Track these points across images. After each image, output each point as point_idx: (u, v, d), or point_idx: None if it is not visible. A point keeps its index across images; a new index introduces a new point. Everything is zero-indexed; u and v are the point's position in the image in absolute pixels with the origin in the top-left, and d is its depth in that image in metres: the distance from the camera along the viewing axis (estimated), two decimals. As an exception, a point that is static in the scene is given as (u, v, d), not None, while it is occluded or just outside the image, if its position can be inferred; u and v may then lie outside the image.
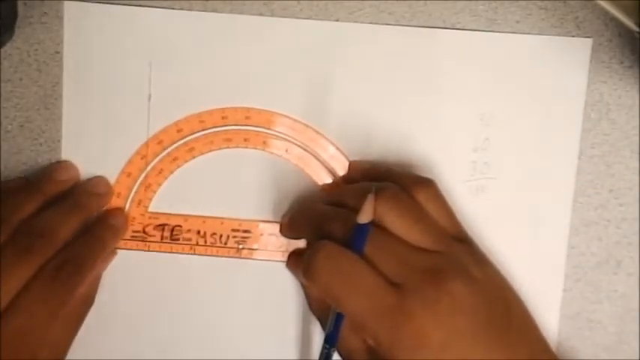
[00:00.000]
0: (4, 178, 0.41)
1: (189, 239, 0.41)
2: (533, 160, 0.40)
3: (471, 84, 0.40)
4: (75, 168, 0.41)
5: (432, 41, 0.40)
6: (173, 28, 0.40)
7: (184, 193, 0.41)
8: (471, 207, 0.40)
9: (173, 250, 0.41)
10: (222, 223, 0.41)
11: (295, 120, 0.40)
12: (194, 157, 0.41)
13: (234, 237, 0.41)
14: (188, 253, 0.41)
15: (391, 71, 0.40)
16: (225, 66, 0.40)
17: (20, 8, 0.39)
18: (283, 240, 0.41)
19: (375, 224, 0.35)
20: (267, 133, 0.41)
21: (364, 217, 0.34)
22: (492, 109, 0.40)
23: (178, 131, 0.41)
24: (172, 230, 0.41)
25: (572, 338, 0.41)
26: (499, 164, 0.40)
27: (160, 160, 0.41)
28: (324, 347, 0.36)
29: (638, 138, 0.40)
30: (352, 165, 0.41)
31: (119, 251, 0.41)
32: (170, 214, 0.41)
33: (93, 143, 0.41)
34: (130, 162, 0.41)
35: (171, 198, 0.41)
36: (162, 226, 0.41)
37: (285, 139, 0.41)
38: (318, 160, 0.41)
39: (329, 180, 0.41)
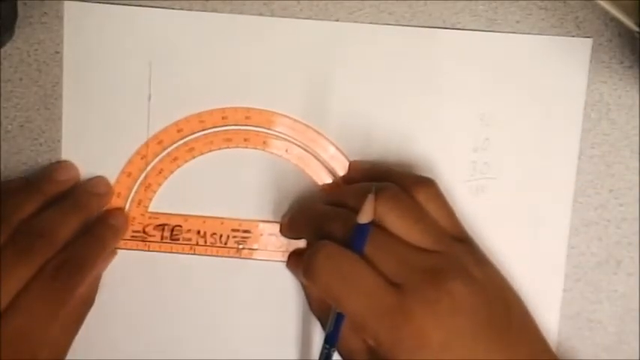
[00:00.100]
0: (4, 178, 0.41)
1: (189, 239, 0.41)
2: (533, 160, 0.40)
3: (471, 84, 0.40)
4: (75, 168, 0.41)
5: (432, 41, 0.40)
6: (173, 28, 0.40)
7: (184, 193, 0.41)
8: (471, 207, 0.40)
9: (173, 250, 0.41)
10: (222, 223, 0.41)
11: (295, 120, 0.40)
12: (194, 157, 0.41)
13: (234, 237, 0.41)
14: (188, 253, 0.41)
15: (391, 71, 0.40)
16: (225, 66, 0.40)
17: (20, 8, 0.39)
18: (283, 240, 0.41)
19: (375, 224, 0.35)
20: (267, 133, 0.41)
21: (364, 217, 0.34)
22: (492, 109, 0.40)
23: (178, 131, 0.41)
24: (172, 230, 0.41)
25: (572, 338, 0.41)
26: (499, 164, 0.40)
27: (160, 160, 0.41)
28: (324, 347, 0.36)
29: (638, 138, 0.40)
30: (352, 165, 0.41)
31: (119, 251, 0.41)
32: (170, 214, 0.41)
33: (93, 143, 0.41)
34: (130, 162, 0.41)
35: (171, 198, 0.41)
36: (162, 226, 0.41)
37: (285, 139, 0.41)
38: (318, 160, 0.41)
39: (329, 180, 0.41)
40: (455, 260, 0.35)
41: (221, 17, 0.40)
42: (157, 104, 0.40)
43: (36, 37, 0.40)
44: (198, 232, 0.41)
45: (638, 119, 0.40)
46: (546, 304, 0.40)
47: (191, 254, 0.41)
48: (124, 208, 0.41)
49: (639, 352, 0.41)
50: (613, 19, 0.39)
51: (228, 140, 0.41)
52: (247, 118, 0.40)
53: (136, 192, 0.41)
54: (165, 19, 0.40)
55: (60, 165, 0.40)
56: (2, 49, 0.40)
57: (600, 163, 0.40)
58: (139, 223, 0.41)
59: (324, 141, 0.41)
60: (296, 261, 0.40)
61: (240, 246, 0.41)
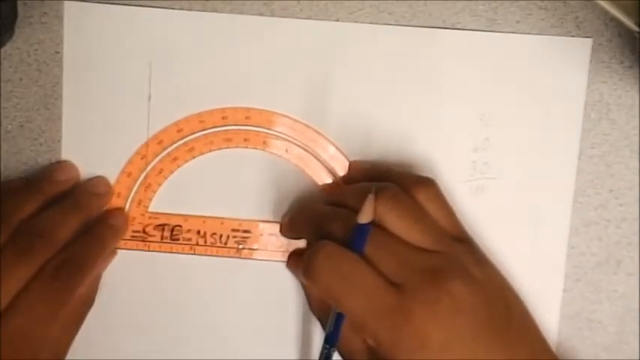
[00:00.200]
0: (4, 178, 0.41)
1: (189, 239, 0.41)
2: (533, 160, 0.40)
3: (471, 84, 0.40)
4: (75, 168, 0.41)
5: (432, 41, 0.40)
6: (173, 28, 0.40)
7: (184, 193, 0.41)
8: (471, 207, 0.40)
9: (173, 250, 0.41)
10: (222, 223, 0.41)
11: (295, 120, 0.40)
12: (194, 157, 0.41)
13: (234, 237, 0.41)
14: (188, 253, 0.41)
15: (391, 71, 0.40)
16: (225, 66, 0.40)
17: (20, 8, 0.39)
18: (283, 240, 0.41)
19: (375, 224, 0.35)
20: (267, 133, 0.41)
21: (364, 217, 0.34)
22: (492, 109, 0.40)
23: (178, 131, 0.41)
24: (172, 230, 0.41)
25: (572, 338, 0.41)
26: (499, 164, 0.40)
27: (160, 160, 0.41)
28: (324, 347, 0.36)
29: (638, 138, 0.40)
30: (352, 165, 0.41)
31: (119, 251, 0.41)
32: (170, 214, 0.41)
33: (93, 143, 0.41)
34: (130, 162, 0.41)
35: (171, 198, 0.41)
36: (162, 226, 0.41)
37: (285, 139, 0.41)
38: (318, 160, 0.41)
39: (329, 180, 0.41)
40: (455, 260, 0.35)
41: (221, 17, 0.40)
42: (157, 104, 0.40)
43: (36, 37, 0.40)
44: (198, 232, 0.41)
45: (638, 119, 0.40)
46: (546, 304, 0.40)
47: (191, 254, 0.41)
48: (124, 208, 0.41)
49: (639, 352, 0.41)
50: (613, 19, 0.39)
51: (228, 140, 0.41)
52: (247, 118, 0.40)
53: (136, 192, 0.41)
54: (165, 19, 0.40)
55: (60, 165, 0.40)
56: (2, 49, 0.40)
57: (600, 163, 0.40)
58: (139, 223, 0.41)
59: (324, 141, 0.41)
60: (296, 261, 0.40)
61: (240, 246, 0.41)
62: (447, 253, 0.35)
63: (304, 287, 0.40)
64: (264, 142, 0.41)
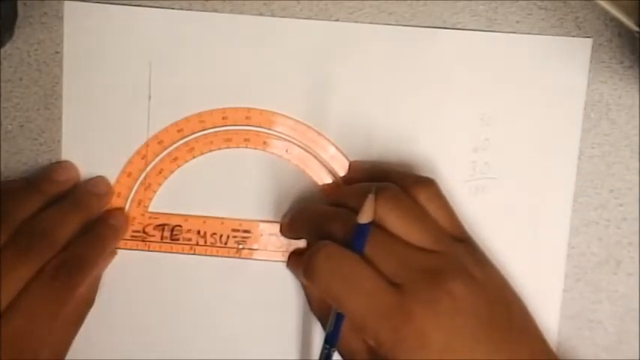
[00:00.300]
0: (4, 178, 0.41)
1: (189, 239, 0.41)
2: (533, 160, 0.40)
3: (471, 84, 0.40)
4: (75, 168, 0.41)
5: (432, 41, 0.40)
6: (173, 28, 0.40)
7: (184, 193, 0.41)
8: (471, 207, 0.40)
9: (173, 250, 0.41)
10: (222, 223, 0.41)
11: (295, 120, 0.40)
12: (194, 157, 0.41)
13: (234, 237, 0.41)
14: (188, 253, 0.41)
15: (391, 71, 0.40)
16: (225, 66, 0.40)
17: (20, 8, 0.39)
18: (283, 240, 0.41)
19: (376, 224, 0.35)
20: (267, 133, 0.41)
21: (364, 217, 0.34)
22: (492, 109, 0.40)
23: (178, 131, 0.41)
24: (172, 230, 0.41)
25: (572, 338, 0.41)
26: (499, 164, 0.40)
27: (160, 160, 0.41)
28: (324, 347, 0.36)
29: (638, 138, 0.40)
30: (352, 165, 0.41)
31: (119, 251, 0.41)
32: (170, 214, 0.41)
33: (93, 143, 0.41)
34: (130, 162, 0.41)
35: (171, 198, 0.41)
36: (162, 226, 0.41)
37: (286, 140, 0.41)
38: (319, 160, 0.41)
39: (329, 180, 0.41)
40: (455, 260, 0.35)
41: (221, 17, 0.40)
42: (157, 104, 0.40)
43: (36, 37, 0.40)
44: (199, 232, 0.41)
45: (638, 119, 0.40)
46: (546, 304, 0.40)
47: (191, 254, 0.41)
48: (124, 208, 0.41)
49: (639, 352, 0.41)
50: (613, 19, 0.39)
51: (229, 140, 0.41)
52: (247, 118, 0.40)
53: (136, 192, 0.41)
54: (165, 19, 0.40)
55: (60, 165, 0.40)
56: (2, 49, 0.39)
57: (600, 163, 0.40)
58: (139, 223, 0.41)
59: (325, 141, 0.41)
60: (296, 261, 0.40)
61: (240, 246, 0.41)
62: (447, 253, 0.35)
63: (304, 287, 0.40)
64: (265, 143, 0.41)
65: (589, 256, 0.41)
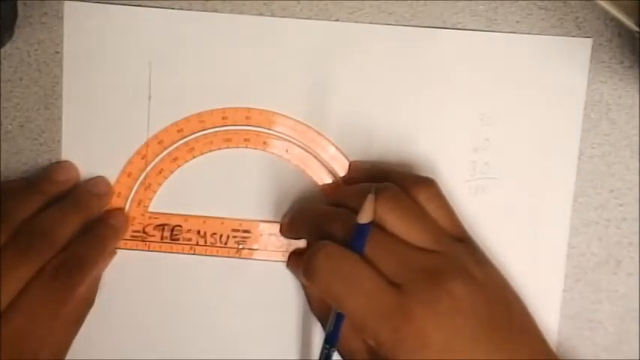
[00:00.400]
0: (4, 178, 0.41)
1: (189, 239, 0.41)
2: (533, 160, 0.40)
3: (471, 84, 0.40)
4: (75, 168, 0.41)
5: (432, 41, 0.40)
6: (173, 28, 0.40)
7: (184, 193, 0.41)
8: (471, 207, 0.40)
9: (173, 250, 0.41)
10: (222, 223, 0.41)
11: (295, 120, 0.40)
12: (194, 157, 0.41)
13: (234, 237, 0.41)
14: (188, 253, 0.41)
15: (391, 71, 0.40)
16: (225, 66, 0.40)
17: (20, 8, 0.39)
18: (283, 240, 0.41)
19: (376, 225, 0.35)
20: (267, 133, 0.41)
21: (364, 217, 0.34)
22: (492, 109, 0.40)
23: (178, 131, 0.41)
24: (172, 230, 0.41)
25: (572, 338, 0.41)
26: (499, 164, 0.40)
27: (160, 160, 0.41)
28: (324, 347, 0.36)
29: (638, 138, 0.40)
30: (352, 165, 0.41)
31: (119, 251, 0.41)
32: (170, 214, 0.41)
33: (93, 143, 0.41)
34: (130, 162, 0.41)
35: (171, 198, 0.41)
36: (162, 226, 0.41)
37: (286, 140, 0.41)
38: (319, 160, 0.41)
39: (329, 180, 0.41)
40: (455, 260, 0.35)
41: (221, 17, 0.40)
42: (157, 104, 0.40)
43: (36, 37, 0.40)
44: (199, 232, 0.41)
45: (638, 119, 0.40)
46: (546, 304, 0.40)
47: (191, 254, 0.41)
48: (124, 208, 0.41)
49: (639, 352, 0.41)
50: (613, 19, 0.39)
51: (229, 140, 0.41)
52: (247, 118, 0.40)
53: (136, 192, 0.41)
54: (165, 19, 0.40)
55: (60, 165, 0.40)
56: (2, 49, 0.40)
57: (600, 163, 0.40)
58: (139, 223, 0.41)
59: (325, 141, 0.41)
60: (296, 261, 0.40)
61: (240, 246, 0.41)
62: (447, 253, 0.35)
63: (304, 287, 0.40)
64: (265, 143, 0.41)
65: (589, 256, 0.41)
